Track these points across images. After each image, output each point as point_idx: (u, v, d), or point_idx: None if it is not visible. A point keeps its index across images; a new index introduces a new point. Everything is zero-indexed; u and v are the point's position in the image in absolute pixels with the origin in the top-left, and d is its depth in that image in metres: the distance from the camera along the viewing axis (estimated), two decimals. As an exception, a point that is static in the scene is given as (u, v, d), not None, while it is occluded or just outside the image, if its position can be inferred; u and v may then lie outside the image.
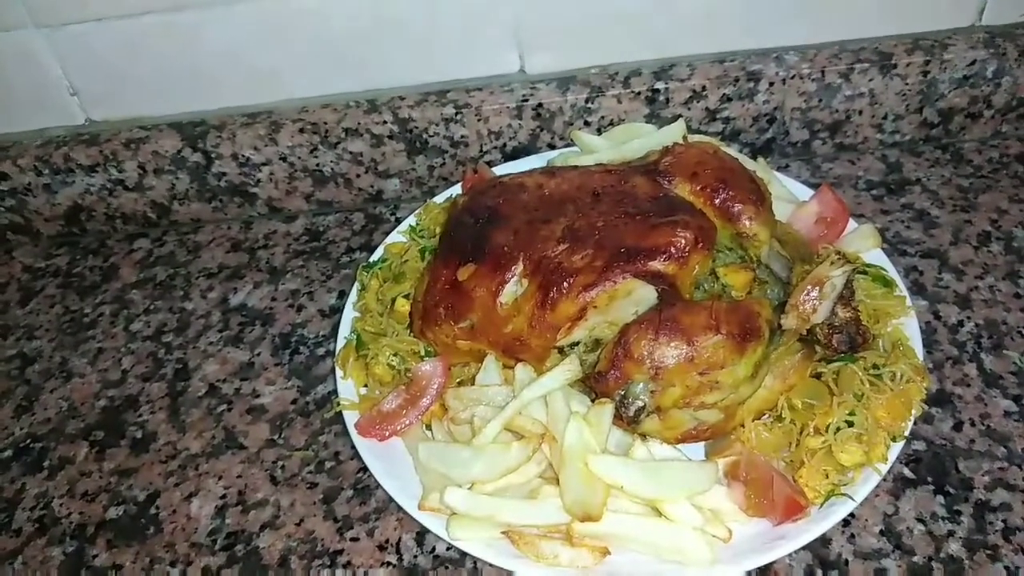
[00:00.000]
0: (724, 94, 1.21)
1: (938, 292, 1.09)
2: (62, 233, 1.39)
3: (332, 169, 1.30)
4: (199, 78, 1.24)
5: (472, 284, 0.91)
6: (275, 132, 1.25)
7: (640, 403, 0.82)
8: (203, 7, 1.15)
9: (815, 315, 0.85)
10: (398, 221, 1.32)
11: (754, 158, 1.20)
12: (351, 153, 1.27)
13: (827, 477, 0.82)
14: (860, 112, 1.24)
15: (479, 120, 1.24)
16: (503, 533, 0.83)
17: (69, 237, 1.40)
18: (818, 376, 0.88)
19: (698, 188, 0.92)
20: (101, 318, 1.25)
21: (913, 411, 0.86)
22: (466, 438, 0.91)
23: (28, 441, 1.10)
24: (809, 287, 0.85)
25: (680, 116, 1.16)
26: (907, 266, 1.13)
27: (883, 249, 1.11)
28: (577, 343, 0.89)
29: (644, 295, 0.85)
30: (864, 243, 1.04)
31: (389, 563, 0.92)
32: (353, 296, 1.09)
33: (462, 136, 1.26)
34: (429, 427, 0.95)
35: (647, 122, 1.24)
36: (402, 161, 1.29)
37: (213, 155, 1.27)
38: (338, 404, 0.97)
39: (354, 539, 0.94)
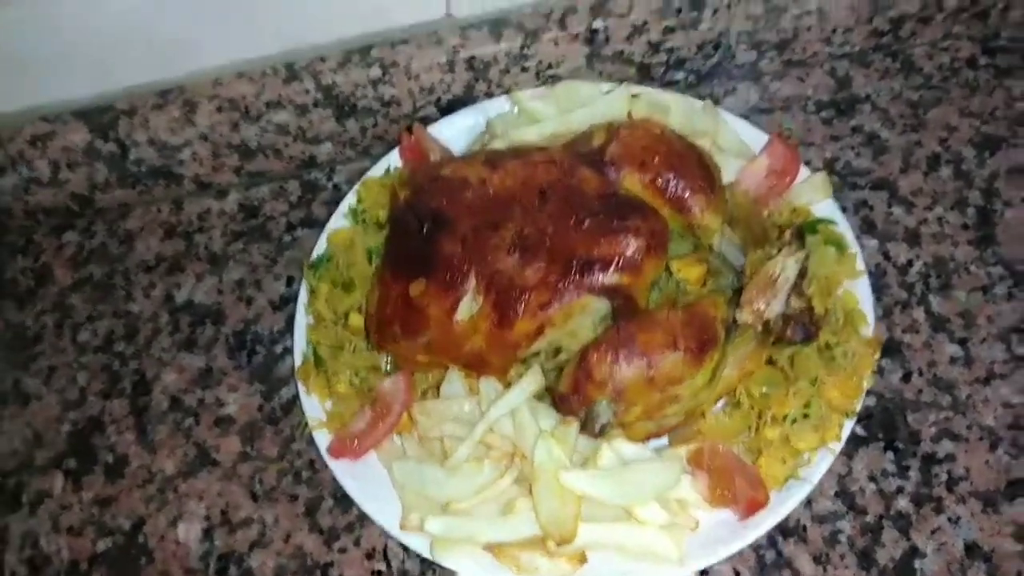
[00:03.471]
0: (666, 26, 1.13)
1: (888, 229, 1.09)
2: (-19, 234, 1.31)
3: (258, 142, 1.21)
4: (97, 55, 1.12)
5: (425, 301, 0.89)
6: (191, 112, 1.15)
7: (604, 420, 0.83)
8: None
9: (769, 310, 0.85)
10: (335, 188, 1.26)
11: (701, 97, 1.14)
12: (276, 124, 1.19)
13: (785, 463, 0.86)
14: (809, 29, 1.18)
15: (409, 79, 1.15)
16: (484, 547, 0.87)
17: (-10, 236, 1.32)
18: (772, 361, 0.90)
19: (647, 179, 0.89)
20: (45, 330, 1.21)
21: (864, 384, 0.89)
22: (437, 451, 0.92)
23: (0, 477, 1.10)
24: (762, 283, 0.85)
25: (624, 82, 1.08)
26: (857, 201, 1.12)
27: (833, 184, 1.10)
28: (538, 353, 0.89)
29: (600, 308, 0.84)
30: (815, 194, 1.02)
31: (379, 571, 0.96)
32: (303, 297, 1.05)
33: (392, 96, 1.17)
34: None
35: (587, 64, 1.16)
36: (331, 126, 1.21)
37: (127, 143, 1.18)
38: (306, 426, 0.98)
39: (342, 550, 0.98)
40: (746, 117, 1.19)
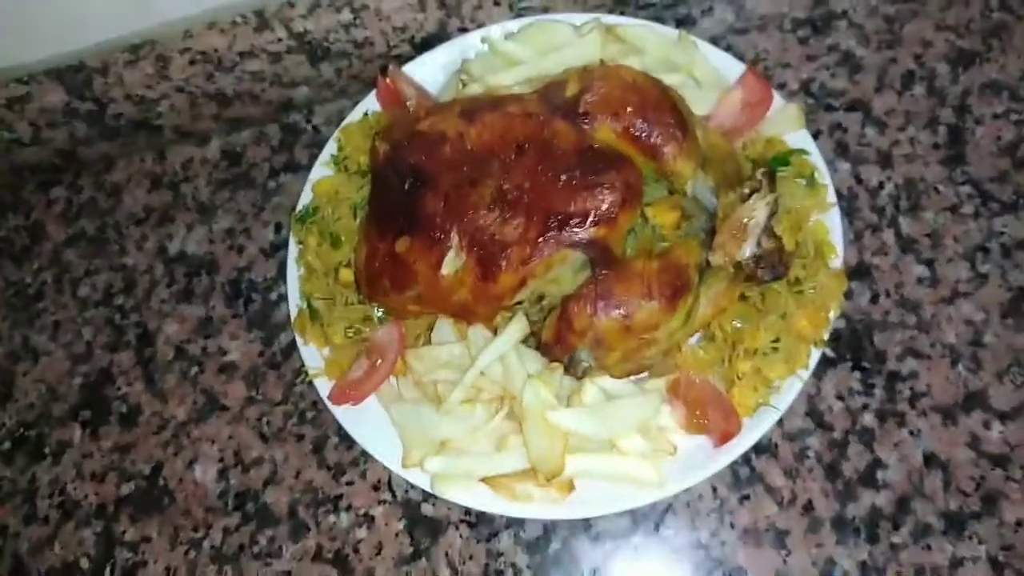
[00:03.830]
0: (638, -48, 1.12)
1: (860, 152, 1.11)
2: (-31, 192, 1.33)
3: (234, 90, 1.21)
4: (61, 13, 1.11)
5: (411, 257, 0.93)
6: (164, 67, 1.15)
7: (586, 365, 0.89)
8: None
9: (740, 252, 0.89)
10: (315, 129, 1.27)
11: (677, 19, 1.14)
12: (250, 73, 1.19)
13: (756, 391, 0.92)
14: (784, -55, 1.16)
15: (380, 20, 1.14)
16: (481, 480, 0.95)
17: (-22, 194, 1.33)
18: (744, 297, 0.94)
19: (620, 128, 0.90)
20: (45, 287, 1.25)
21: (832, 315, 0.94)
22: (431, 392, 0.98)
23: (22, 430, 1.16)
24: (734, 227, 0.88)
25: (599, 11, 1.07)
26: (831, 123, 1.14)
27: (808, 107, 1.12)
28: (521, 301, 0.93)
29: (579, 258, 0.88)
30: (788, 125, 1.04)
31: (385, 501, 1.04)
32: (292, 250, 1.08)
33: (365, 37, 1.17)
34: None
35: (560, -6, 1.15)
36: (306, 70, 1.21)
37: (104, 100, 1.18)
38: (307, 375, 1.03)
39: (349, 483, 1.06)
40: (723, 38, 1.20)
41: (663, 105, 0.91)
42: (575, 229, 0.87)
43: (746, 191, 0.91)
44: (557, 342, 0.88)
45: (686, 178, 0.91)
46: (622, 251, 0.89)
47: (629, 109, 0.90)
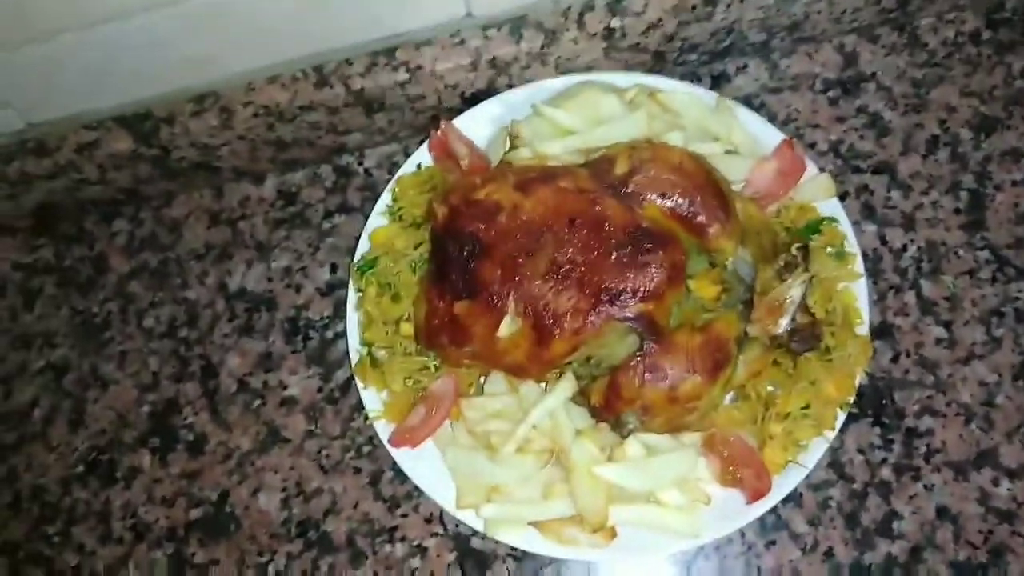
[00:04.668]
0: (681, 20, 1.17)
1: (886, 214, 1.18)
2: (35, 224, 1.39)
3: (292, 137, 1.28)
4: (129, 66, 1.17)
5: (470, 320, 1.00)
6: (228, 119, 1.21)
7: (631, 426, 0.97)
8: (121, 18, 1.05)
9: (776, 327, 0.96)
10: (367, 172, 1.34)
11: (713, 75, 1.20)
12: (308, 123, 1.25)
13: (786, 450, 1.01)
14: (819, 12, 1.21)
15: (434, 78, 1.20)
16: (530, 524, 1.04)
17: (43, 225, 1.40)
18: (776, 363, 1.02)
19: (667, 208, 0.97)
20: (111, 316, 1.32)
21: (857, 380, 1.02)
22: (484, 440, 1.07)
23: (94, 454, 1.25)
24: (771, 304, 0.96)
25: (641, 84, 1.12)
26: (859, 185, 1.20)
27: (837, 166, 1.19)
28: (571, 361, 1.01)
29: (627, 329, 0.96)
30: (819, 193, 1.11)
31: (437, 534, 1.13)
32: (352, 297, 1.16)
33: (418, 93, 1.23)
34: (453, 421, 1.10)
35: (604, 55, 1.21)
36: (361, 120, 1.27)
37: (170, 148, 1.24)
38: (367, 418, 1.11)
39: (404, 515, 1.15)
40: (756, 96, 1.26)
41: (708, 188, 0.98)
42: (624, 304, 0.94)
43: (782, 264, 0.99)
44: (606, 407, 0.96)
45: (728, 255, 0.99)
46: (667, 322, 0.97)
47: (676, 192, 0.97)
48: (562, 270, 0.97)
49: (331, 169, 1.35)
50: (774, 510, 1.07)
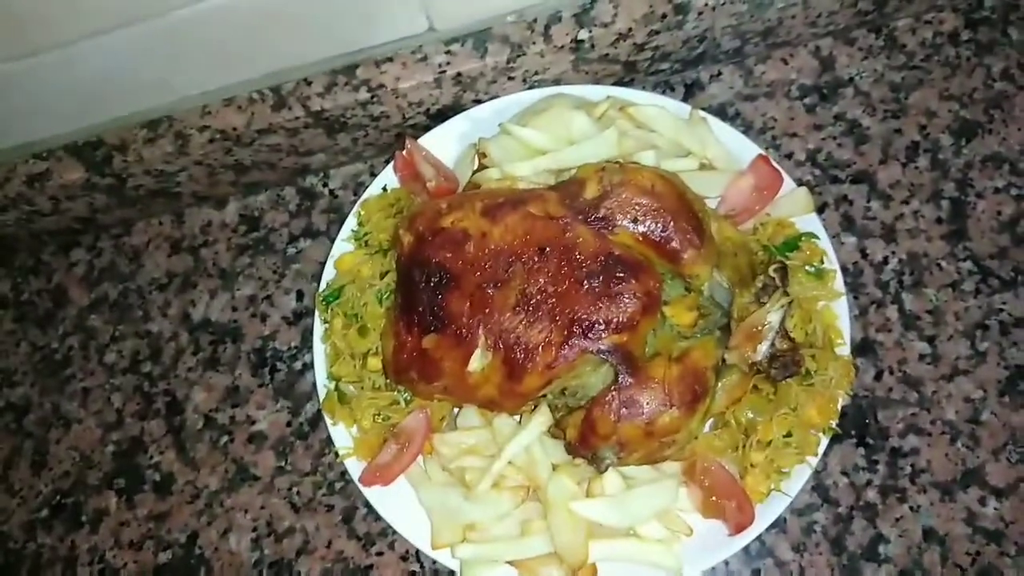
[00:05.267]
0: (651, 30, 1.13)
1: (866, 225, 1.15)
2: (-10, 256, 1.35)
3: (252, 160, 1.23)
4: (82, 101, 1.12)
5: (439, 354, 0.96)
6: (183, 144, 1.16)
7: (608, 462, 0.94)
8: (67, 44, 1.00)
9: (756, 355, 0.93)
10: (332, 194, 1.30)
11: (686, 84, 1.16)
12: (268, 146, 1.20)
13: (768, 478, 0.98)
14: (793, 17, 1.17)
15: (397, 97, 1.16)
16: (508, 563, 1.00)
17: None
18: (756, 388, 0.99)
19: (639, 233, 0.93)
20: (72, 352, 1.28)
21: (840, 404, 0.99)
22: (459, 476, 1.03)
23: (58, 498, 1.21)
24: (749, 331, 0.92)
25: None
26: (838, 195, 1.17)
27: (815, 176, 1.16)
28: (546, 395, 0.98)
29: (600, 363, 0.92)
30: (797, 208, 1.07)
31: (414, 572, 1.10)
32: (318, 328, 1.11)
33: (382, 112, 1.18)
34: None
35: (573, 68, 1.17)
36: (323, 141, 1.22)
37: (124, 175, 1.19)
38: (337, 456, 1.07)
39: (379, 553, 1.11)
40: (731, 105, 1.22)
41: (681, 211, 0.94)
42: (598, 336, 0.90)
43: (759, 287, 0.95)
44: (582, 443, 0.92)
45: (703, 280, 0.95)
46: (642, 352, 0.93)
47: (648, 216, 0.93)
48: (532, 301, 0.93)
49: (295, 191, 1.30)
50: (758, 537, 1.04)
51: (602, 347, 0.91)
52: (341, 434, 1.08)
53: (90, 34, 0.98)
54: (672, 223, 0.93)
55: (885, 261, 1.13)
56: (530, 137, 1.08)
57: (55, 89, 1.09)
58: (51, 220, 1.27)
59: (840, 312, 1.03)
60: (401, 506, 1.04)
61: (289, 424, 1.19)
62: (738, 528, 0.96)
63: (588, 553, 0.95)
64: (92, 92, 1.11)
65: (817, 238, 1.06)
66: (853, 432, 1.07)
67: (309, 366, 1.20)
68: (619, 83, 1.23)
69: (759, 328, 0.93)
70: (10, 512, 1.21)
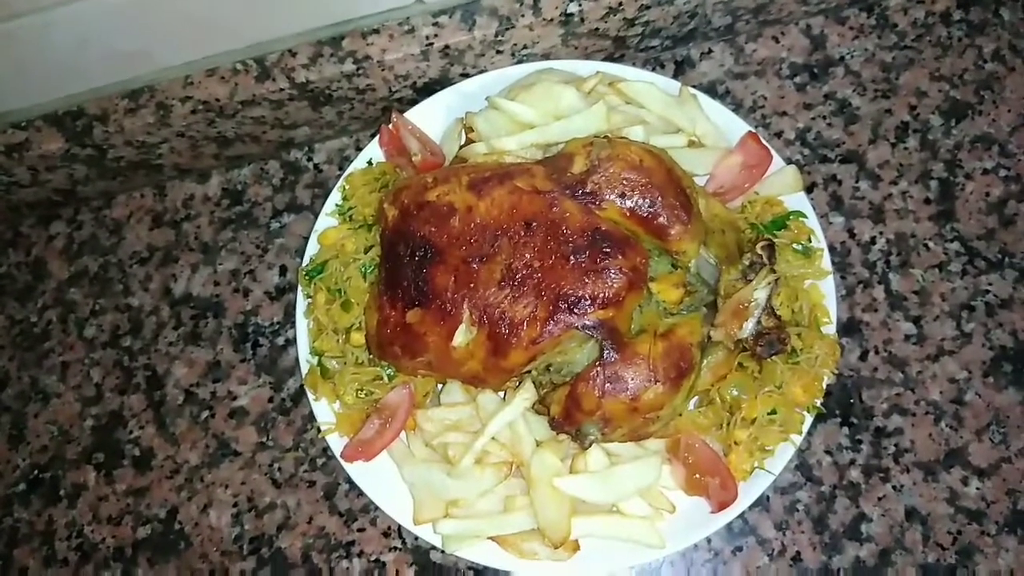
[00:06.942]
0: (642, 4, 1.12)
1: (854, 205, 1.15)
2: (-33, 228, 1.32)
3: (235, 132, 1.21)
4: (62, 70, 1.10)
5: (423, 329, 0.95)
6: (165, 116, 1.14)
7: (592, 438, 0.93)
8: (45, 9, 0.98)
9: (741, 331, 0.92)
10: (316, 168, 1.28)
11: (676, 61, 1.14)
12: (252, 118, 1.18)
13: (752, 455, 0.97)
14: (785, -6, 1.16)
15: (383, 70, 1.14)
16: (490, 538, 1.00)
17: (-24, 228, 1.33)
18: (741, 366, 0.98)
19: (627, 208, 0.92)
20: (51, 326, 1.26)
21: (825, 383, 0.99)
22: (442, 453, 1.02)
23: (36, 472, 1.19)
24: (735, 308, 0.92)
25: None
26: (827, 175, 1.16)
27: (804, 155, 1.15)
28: (530, 370, 0.97)
29: (587, 335, 0.92)
30: (786, 187, 1.06)
31: (395, 548, 1.09)
32: (301, 303, 1.10)
33: (368, 84, 1.16)
34: (409, 431, 1.06)
35: (562, 43, 1.15)
36: (308, 114, 1.20)
37: (105, 147, 1.17)
38: (319, 431, 1.06)
39: (360, 529, 1.11)
40: (721, 83, 1.21)
41: (669, 187, 0.93)
42: (583, 311, 0.90)
43: (746, 264, 0.95)
44: (566, 419, 0.92)
45: (690, 257, 0.94)
46: (628, 328, 0.92)
47: (636, 191, 0.92)
48: (518, 276, 0.92)
49: (279, 165, 1.28)
50: (740, 514, 1.04)
51: (587, 323, 0.90)
52: (323, 409, 1.06)
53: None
54: (660, 199, 0.92)
55: (872, 241, 1.13)
56: (518, 111, 1.06)
57: (32, 56, 1.06)
58: (30, 191, 1.25)
59: (827, 291, 1.02)
60: (383, 482, 1.03)
61: (271, 400, 1.17)
62: (721, 506, 0.96)
63: (571, 529, 0.95)
64: (70, 61, 1.09)
65: (805, 217, 1.05)
66: (837, 411, 1.07)
67: (292, 341, 1.18)
68: (609, 59, 1.22)
69: (745, 305, 0.92)
70: (-13, 486, 1.20)
